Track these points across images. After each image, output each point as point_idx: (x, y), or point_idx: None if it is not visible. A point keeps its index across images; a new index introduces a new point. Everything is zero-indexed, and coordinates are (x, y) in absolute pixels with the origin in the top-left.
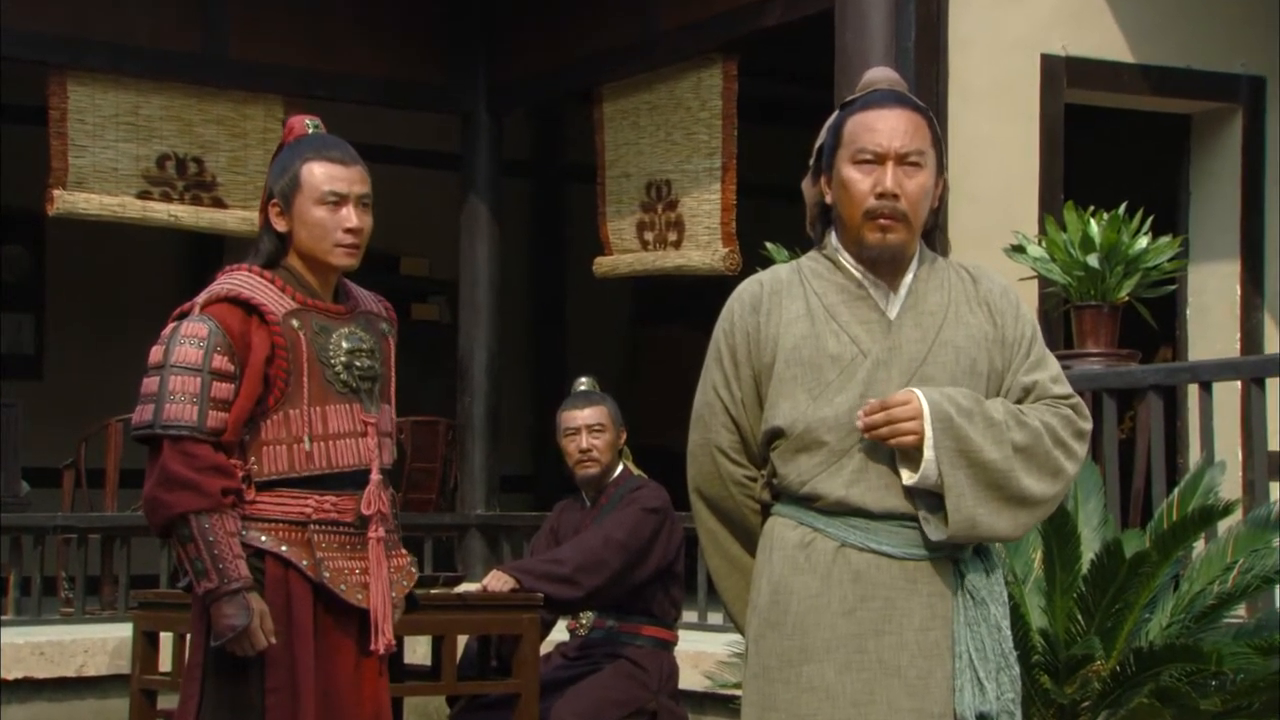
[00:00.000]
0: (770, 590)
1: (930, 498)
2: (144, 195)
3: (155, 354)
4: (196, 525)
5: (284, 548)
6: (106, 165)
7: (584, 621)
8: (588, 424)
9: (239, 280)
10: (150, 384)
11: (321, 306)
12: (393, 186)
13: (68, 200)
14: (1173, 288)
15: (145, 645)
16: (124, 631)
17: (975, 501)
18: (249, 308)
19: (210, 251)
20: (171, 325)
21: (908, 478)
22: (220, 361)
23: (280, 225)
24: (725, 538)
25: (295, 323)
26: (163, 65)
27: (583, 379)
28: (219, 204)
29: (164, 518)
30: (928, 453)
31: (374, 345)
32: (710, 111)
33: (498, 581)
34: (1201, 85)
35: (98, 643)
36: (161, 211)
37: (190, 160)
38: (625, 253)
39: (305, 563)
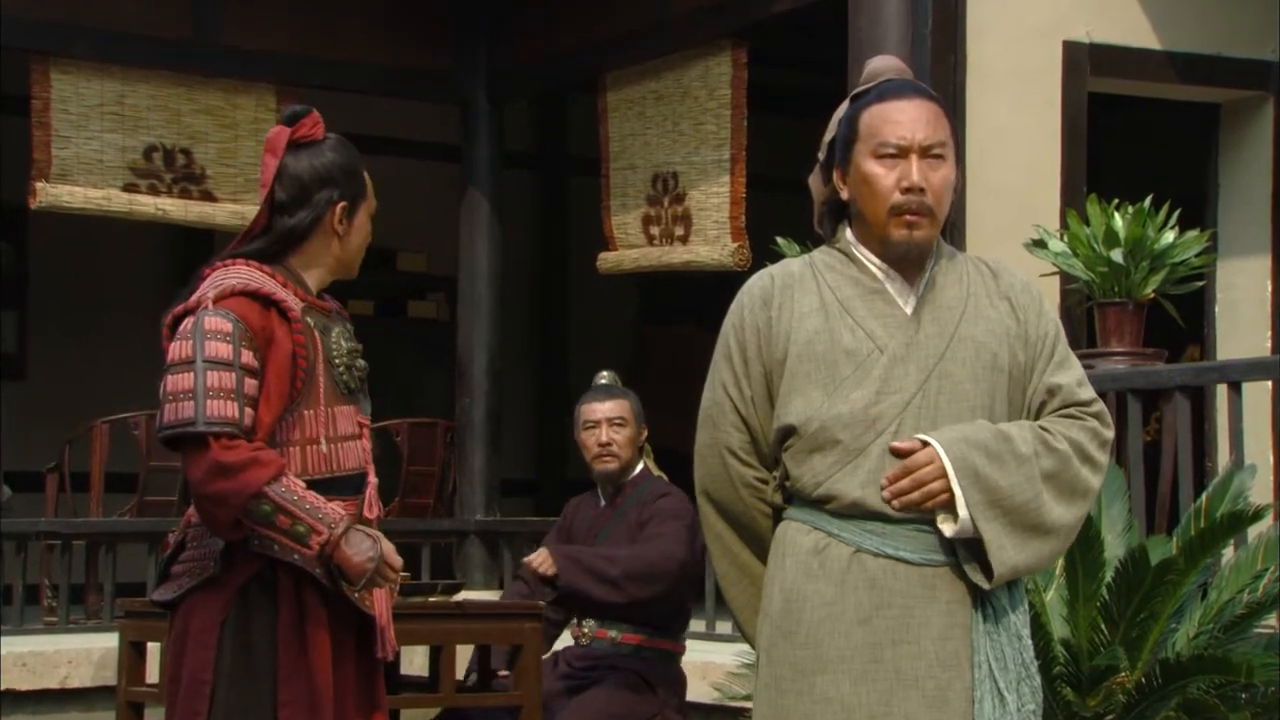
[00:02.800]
0: (783, 598)
1: (970, 541)
2: (130, 188)
3: (181, 349)
4: (274, 493)
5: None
6: (91, 157)
7: (586, 630)
8: (608, 417)
9: (246, 275)
10: (182, 381)
11: (319, 304)
12: (389, 179)
13: (51, 193)
14: (1200, 284)
15: (132, 656)
16: (110, 641)
17: (1015, 549)
18: (267, 302)
19: (200, 246)
20: (191, 320)
21: (946, 528)
22: (248, 357)
23: (342, 230)
24: (734, 542)
25: (310, 320)
26: (150, 52)
27: (604, 373)
28: (208, 197)
29: (237, 504)
30: (961, 511)
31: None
32: (719, 101)
33: (540, 560)
34: (1231, 72)
35: (82, 653)
36: (149, 205)
37: (178, 151)
38: (630, 248)
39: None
